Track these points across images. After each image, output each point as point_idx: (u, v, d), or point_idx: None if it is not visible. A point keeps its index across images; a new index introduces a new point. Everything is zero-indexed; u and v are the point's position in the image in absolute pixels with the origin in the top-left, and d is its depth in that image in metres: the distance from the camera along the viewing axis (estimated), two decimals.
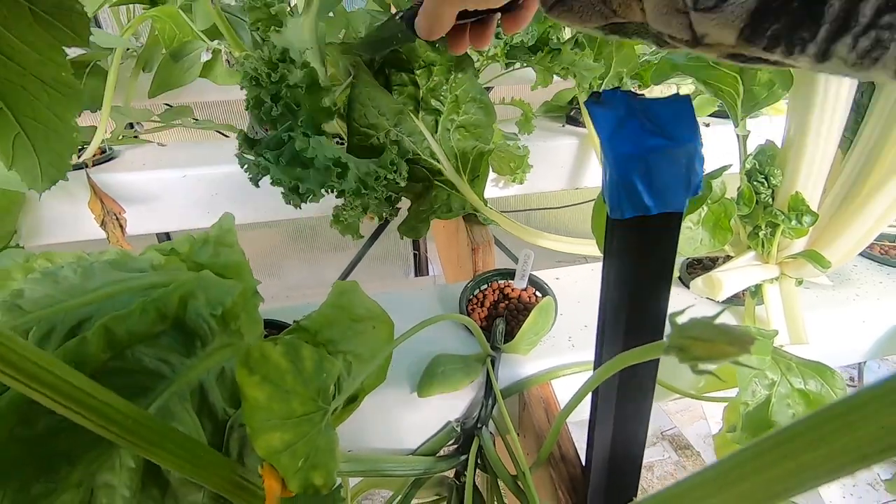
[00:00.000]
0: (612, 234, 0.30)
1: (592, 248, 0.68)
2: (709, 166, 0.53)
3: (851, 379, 1.80)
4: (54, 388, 0.22)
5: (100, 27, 1.13)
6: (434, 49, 0.62)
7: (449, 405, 0.50)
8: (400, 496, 0.48)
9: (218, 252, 0.49)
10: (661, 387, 0.51)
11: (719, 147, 0.75)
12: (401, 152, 0.62)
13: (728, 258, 0.58)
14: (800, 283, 0.54)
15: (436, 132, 0.66)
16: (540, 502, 0.41)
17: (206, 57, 0.82)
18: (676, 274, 0.65)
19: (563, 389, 0.51)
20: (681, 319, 0.20)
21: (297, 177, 0.51)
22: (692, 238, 0.47)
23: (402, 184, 0.57)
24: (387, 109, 0.63)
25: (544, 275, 0.63)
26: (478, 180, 0.67)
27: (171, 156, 0.82)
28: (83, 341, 0.31)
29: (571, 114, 0.93)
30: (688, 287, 0.62)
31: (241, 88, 0.52)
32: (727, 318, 0.57)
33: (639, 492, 0.40)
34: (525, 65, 0.74)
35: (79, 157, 0.76)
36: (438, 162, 0.66)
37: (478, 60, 0.75)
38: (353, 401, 0.42)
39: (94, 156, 0.77)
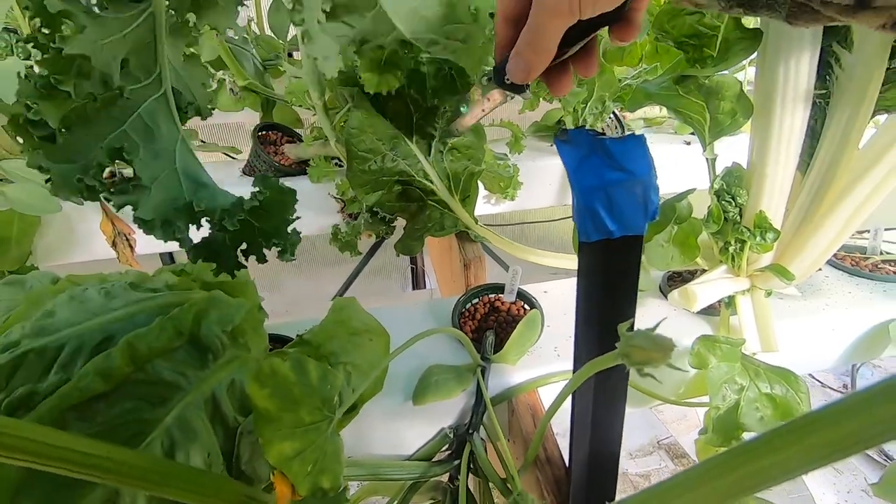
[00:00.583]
0: (582, 254, 0.34)
1: (573, 262, 0.72)
2: (684, 184, 0.57)
3: (845, 386, 1.83)
4: (55, 458, 0.22)
5: None
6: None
7: (442, 413, 0.53)
8: (397, 501, 0.51)
9: None
10: (644, 394, 0.55)
11: (693, 166, 0.79)
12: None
13: (704, 272, 0.62)
14: (769, 294, 0.57)
15: (429, 155, 0.70)
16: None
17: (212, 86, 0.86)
18: (657, 286, 0.69)
19: (550, 397, 0.54)
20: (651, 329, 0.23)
21: None
22: (664, 254, 0.51)
23: None
24: (383, 135, 0.67)
25: (534, 288, 0.67)
26: (469, 200, 0.71)
27: None
28: (109, 356, 0.35)
29: (555, 136, 0.97)
30: (667, 298, 0.65)
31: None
32: (703, 328, 0.60)
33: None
34: None
35: None
36: (432, 183, 0.70)
37: None
38: (352, 409, 0.46)
39: (105, 179, 0.81)
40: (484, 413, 0.51)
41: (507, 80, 0.37)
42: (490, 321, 0.60)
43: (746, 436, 0.48)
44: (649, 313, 0.64)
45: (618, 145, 0.30)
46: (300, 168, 0.86)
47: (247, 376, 0.35)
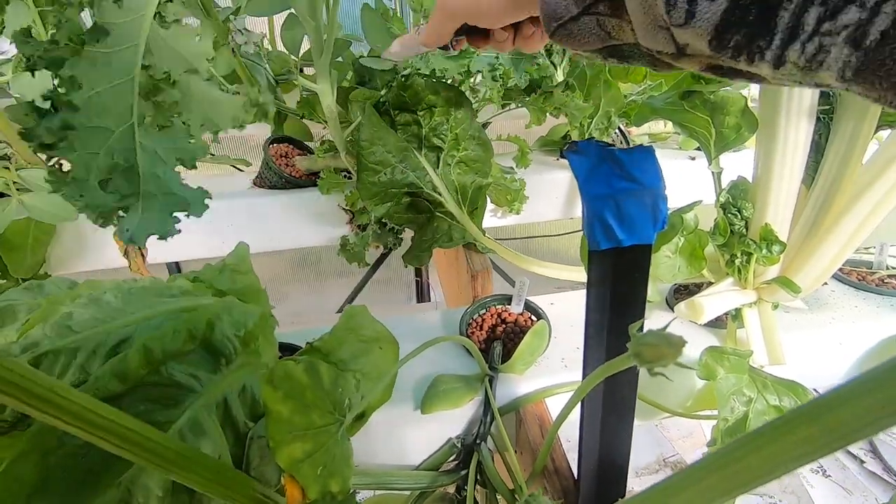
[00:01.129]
0: (592, 263, 0.35)
1: (584, 274, 0.72)
2: (690, 199, 0.58)
3: None
4: (84, 420, 0.24)
5: None
6: (434, 92, 0.67)
7: (450, 422, 0.53)
8: None
9: (235, 279, 0.53)
10: (651, 406, 0.55)
11: (697, 181, 0.80)
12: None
13: (710, 284, 0.62)
14: (776, 307, 0.58)
15: (437, 167, 0.71)
16: None
17: None
18: (663, 298, 0.69)
19: (557, 407, 0.54)
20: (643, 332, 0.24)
21: None
22: (671, 266, 0.52)
23: None
24: (393, 147, 0.68)
25: (540, 300, 0.67)
26: (477, 212, 0.72)
27: None
28: (125, 358, 0.36)
29: (565, 148, 0.99)
30: (674, 311, 0.65)
31: None
32: (710, 340, 0.60)
33: None
34: (520, 105, 0.80)
35: None
36: (440, 195, 0.71)
37: (476, 101, 0.81)
38: (360, 417, 0.46)
39: None
40: (492, 423, 0.51)
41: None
42: (498, 332, 0.61)
43: None
44: (656, 325, 0.64)
45: (627, 155, 0.31)
46: (310, 180, 0.87)
47: (260, 380, 0.36)
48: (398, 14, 0.82)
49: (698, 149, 0.99)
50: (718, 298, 0.56)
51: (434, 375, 0.55)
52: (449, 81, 0.70)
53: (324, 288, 1.74)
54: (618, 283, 0.35)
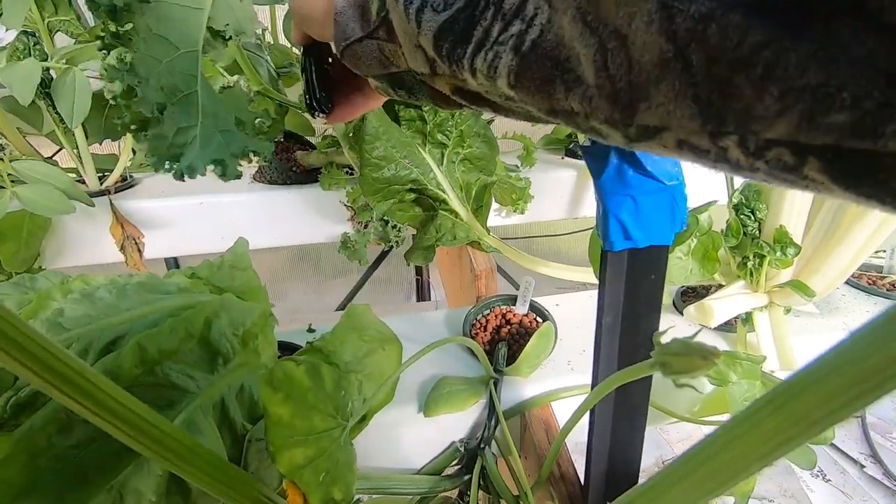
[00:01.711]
0: (606, 264, 0.33)
1: (590, 275, 0.71)
2: (701, 198, 0.56)
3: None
4: (92, 398, 0.23)
5: None
6: None
7: (453, 425, 0.52)
8: None
9: (233, 276, 0.52)
10: (658, 410, 0.54)
11: (708, 183, 0.78)
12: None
13: (720, 287, 0.61)
14: (788, 310, 0.56)
15: (442, 164, 0.70)
16: None
17: None
18: (670, 301, 0.68)
19: (563, 411, 0.53)
20: (664, 339, 0.23)
21: None
22: (683, 268, 0.50)
23: None
24: (397, 142, 0.67)
25: (544, 301, 0.66)
26: (481, 210, 0.71)
27: (189, 183, 0.86)
28: (118, 357, 0.34)
29: (570, 147, 0.97)
30: (682, 314, 0.64)
31: None
32: (718, 344, 0.59)
33: None
34: None
35: (101, 184, 0.80)
36: (444, 192, 0.69)
37: None
38: (362, 419, 0.44)
39: (115, 183, 0.81)
40: (496, 427, 0.50)
41: None
42: (502, 333, 0.59)
43: None
44: (664, 328, 0.63)
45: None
46: (311, 176, 0.86)
47: (259, 381, 0.34)
48: None
49: None
50: (729, 302, 0.55)
51: (436, 376, 0.53)
52: None
53: (322, 285, 1.73)
54: (632, 285, 0.34)
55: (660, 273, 0.33)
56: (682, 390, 0.55)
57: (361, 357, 0.44)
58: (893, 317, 0.14)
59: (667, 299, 0.66)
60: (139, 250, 0.75)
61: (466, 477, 0.50)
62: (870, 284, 0.71)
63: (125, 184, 0.82)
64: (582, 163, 0.94)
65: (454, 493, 0.51)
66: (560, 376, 0.55)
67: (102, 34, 0.38)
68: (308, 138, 0.94)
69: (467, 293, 0.77)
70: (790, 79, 0.11)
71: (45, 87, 0.72)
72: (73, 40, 0.74)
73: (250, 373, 0.42)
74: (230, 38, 0.44)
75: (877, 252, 0.75)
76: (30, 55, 0.68)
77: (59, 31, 0.75)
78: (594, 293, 0.73)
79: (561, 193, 0.91)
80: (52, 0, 0.74)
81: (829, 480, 1.44)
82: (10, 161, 0.66)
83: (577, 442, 0.45)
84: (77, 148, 0.77)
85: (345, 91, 0.36)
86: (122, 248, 0.75)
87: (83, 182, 0.79)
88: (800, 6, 0.11)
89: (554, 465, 0.46)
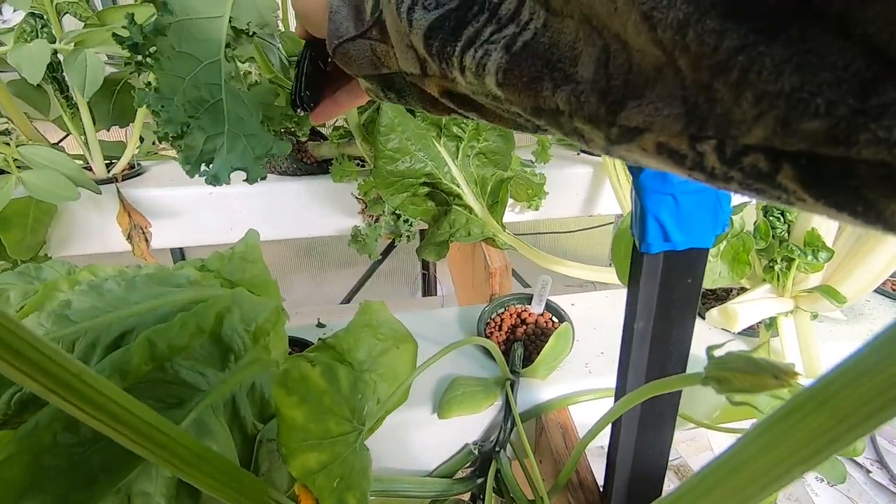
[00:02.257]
0: (640, 266, 0.32)
1: (605, 274, 0.69)
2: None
3: None
4: (92, 402, 0.22)
5: None
6: None
7: (467, 427, 0.50)
8: None
9: (244, 268, 0.50)
10: (678, 417, 0.52)
11: None
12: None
13: (742, 290, 0.59)
14: (814, 316, 0.54)
15: (457, 158, 0.68)
16: None
17: None
18: None
19: (581, 415, 0.51)
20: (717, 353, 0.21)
21: None
22: (711, 270, 0.49)
23: None
24: (412, 134, 0.65)
25: (560, 300, 0.64)
26: (497, 206, 0.69)
27: None
28: (127, 353, 0.33)
29: None
30: (702, 317, 0.62)
31: None
32: (741, 348, 0.57)
33: None
34: None
35: (108, 171, 0.78)
36: (458, 186, 0.67)
37: None
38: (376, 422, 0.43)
39: (122, 170, 0.79)
40: (512, 429, 0.48)
41: None
42: (518, 333, 0.58)
43: None
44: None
45: None
46: (322, 167, 0.84)
47: (272, 381, 0.33)
48: None
49: None
50: (754, 306, 0.53)
51: (450, 376, 0.52)
52: None
53: (328, 278, 1.71)
54: (667, 289, 0.32)
55: (697, 277, 0.31)
56: (704, 395, 0.54)
57: (376, 356, 0.42)
58: None
59: None
60: (146, 240, 0.74)
61: (480, 480, 0.48)
62: (895, 290, 0.69)
63: (132, 172, 0.81)
64: (598, 159, 0.92)
65: (467, 497, 0.50)
66: (577, 379, 0.54)
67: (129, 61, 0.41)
68: (319, 129, 0.92)
69: (479, 291, 0.76)
70: (765, 83, 0.11)
71: (53, 70, 0.70)
72: (82, 23, 0.73)
73: (262, 370, 0.40)
74: (254, 34, 0.44)
75: None
76: (37, 37, 0.66)
77: (66, 13, 0.73)
78: (609, 293, 0.72)
79: (576, 190, 0.89)
80: None
81: (835, 485, 1.43)
82: (17, 146, 0.65)
83: (594, 446, 0.44)
84: (84, 134, 0.75)
85: (337, 88, 0.36)
86: (129, 238, 0.73)
87: (90, 169, 0.78)
88: (774, 12, 0.11)
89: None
